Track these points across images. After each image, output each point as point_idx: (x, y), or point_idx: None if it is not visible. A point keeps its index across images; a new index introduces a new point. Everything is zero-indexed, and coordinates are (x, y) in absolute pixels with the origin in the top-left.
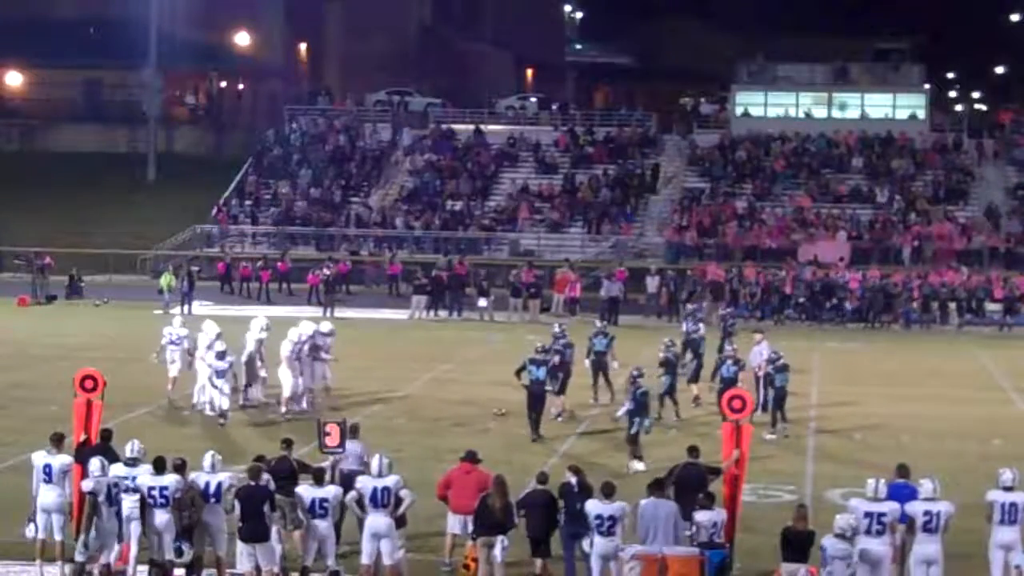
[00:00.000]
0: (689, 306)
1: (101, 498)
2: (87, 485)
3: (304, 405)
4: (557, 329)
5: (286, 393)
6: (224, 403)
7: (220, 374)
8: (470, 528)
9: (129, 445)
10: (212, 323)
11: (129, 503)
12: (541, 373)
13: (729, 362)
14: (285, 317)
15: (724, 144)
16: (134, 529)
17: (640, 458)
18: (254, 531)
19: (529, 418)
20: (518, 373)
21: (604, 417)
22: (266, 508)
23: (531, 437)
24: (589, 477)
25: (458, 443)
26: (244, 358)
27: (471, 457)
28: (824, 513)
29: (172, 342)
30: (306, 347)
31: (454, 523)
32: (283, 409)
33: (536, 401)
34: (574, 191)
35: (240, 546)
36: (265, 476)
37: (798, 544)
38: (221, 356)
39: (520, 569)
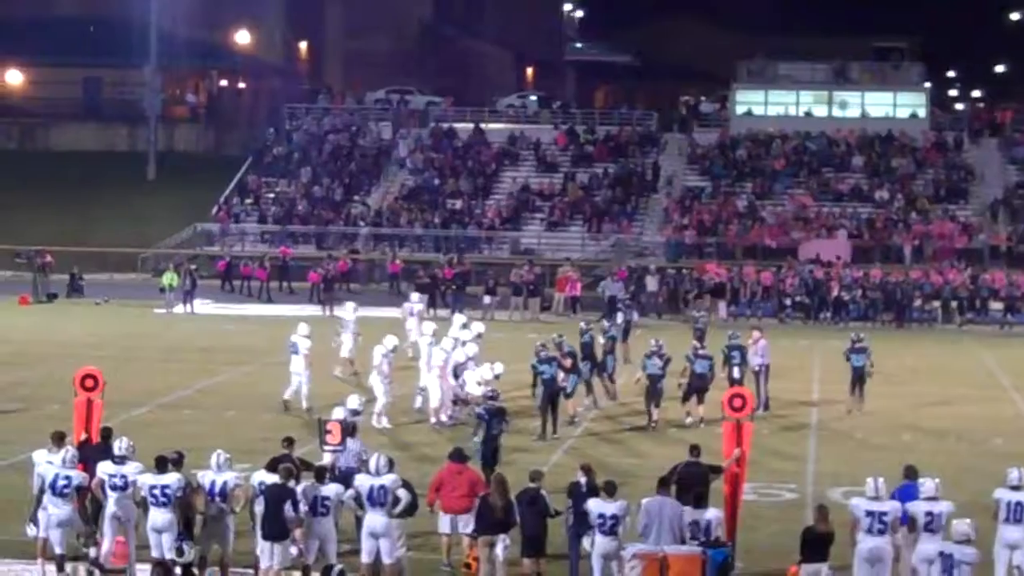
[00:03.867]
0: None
1: (47, 482)
2: (40, 468)
3: (448, 415)
4: (583, 325)
5: (434, 403)
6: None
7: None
8: (460, 527)
9: (117, 443)
10: (392, 337)
11: (118, 499)
12: (551, 370)
13: (656, 359)
14: (286, 316)
15: (724, 143)
16: (126, 527)
17: None
18: (273, 530)
19: (542, 416)
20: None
21: (603, 417)
22: (287, 508)
23: (536, 436)
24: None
25: (459, 441)
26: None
27: (459, 456)
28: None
29: (342, 325)
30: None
31: (444, 523)
32: (432, 420)
33: (550, 398)
34: (575, 187)
35: (261, 543)
36: (293, 481)
37: (819, 544)
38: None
39: (521, 568)
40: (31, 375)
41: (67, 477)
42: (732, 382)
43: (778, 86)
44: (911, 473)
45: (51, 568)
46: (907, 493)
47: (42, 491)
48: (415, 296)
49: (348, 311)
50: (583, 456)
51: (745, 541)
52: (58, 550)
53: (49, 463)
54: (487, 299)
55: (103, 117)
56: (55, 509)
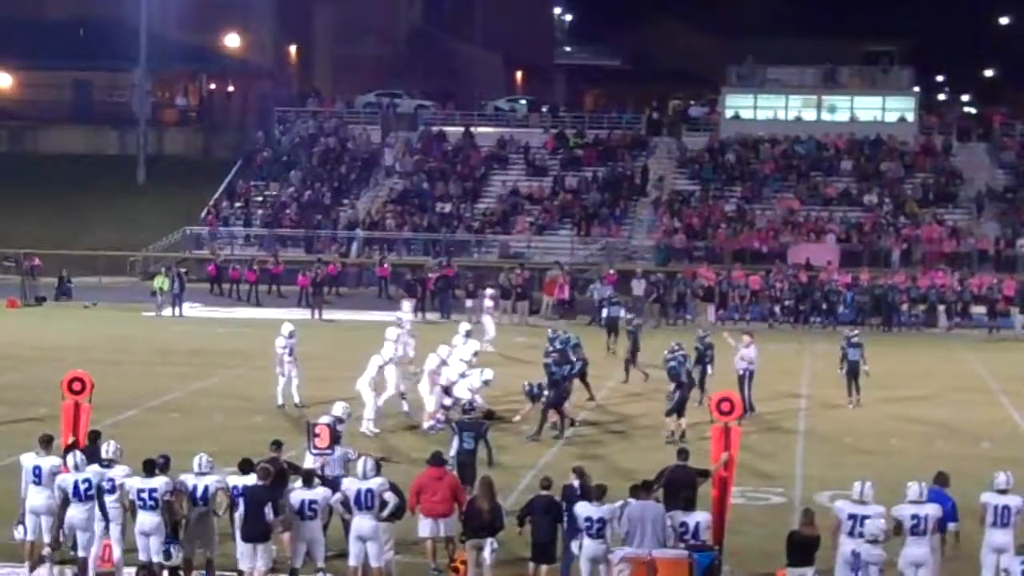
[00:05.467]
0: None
1: (70, 492)
2: (57, 479)
3: (435, 421)
4: (550, 332)
5: (429, 408)
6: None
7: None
8: (442, 530)
9: (105, 446)
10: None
11: (107, 504)
12: (561, 372)
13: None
14: (275, 319)
15: (714, 146)
16: (113, 530)
17: None
18: (253, 531)
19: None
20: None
21: (589, 422)
22: (267, 510)
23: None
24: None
25: (446, 446)
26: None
27: (438, 460)
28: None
29: (397, 326)
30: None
31: (424, 527)
32: (426, 424)
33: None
34: (564, 193)
35: (241, 546)
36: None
37: (804, 548)
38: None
39: (507, 570)
40: (19, 378)
41: (87, 480)
42: (699, 382)
43: (767, 90)
44: (942, 479)
45: (40, 571)
46: (936, 498)
47: (65, 504)
48: (489, 292)
49: (406, 311)
50: (570, 459)
51: (732, 545)
52: (154, 558)
53: (29, 464)
54: (468, 303)
55: (93, 120)
56: (76, 512)
